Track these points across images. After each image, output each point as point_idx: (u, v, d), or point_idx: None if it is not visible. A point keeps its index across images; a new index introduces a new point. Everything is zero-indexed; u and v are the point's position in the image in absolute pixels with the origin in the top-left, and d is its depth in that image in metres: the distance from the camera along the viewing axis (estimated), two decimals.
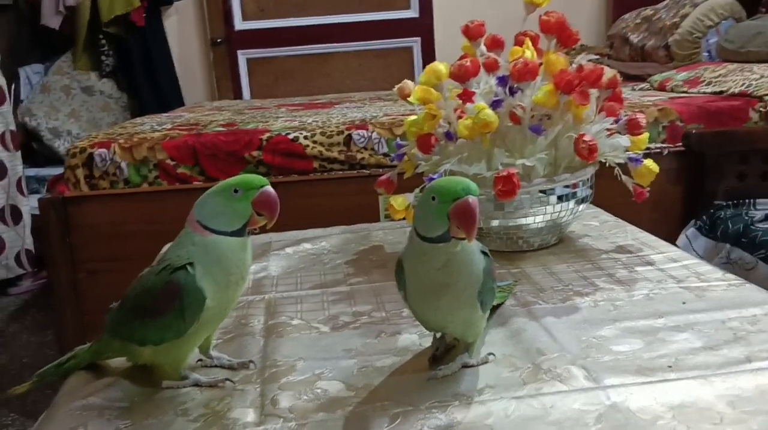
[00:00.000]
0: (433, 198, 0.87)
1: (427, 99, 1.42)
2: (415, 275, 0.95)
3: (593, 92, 1.42)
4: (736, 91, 2.66)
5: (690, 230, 2.37)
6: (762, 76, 2.65)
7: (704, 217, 2.34)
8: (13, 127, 3.52)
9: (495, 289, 1.00)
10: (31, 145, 4.44)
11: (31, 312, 3.46)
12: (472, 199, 0.85)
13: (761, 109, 2.51)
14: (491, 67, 1.46)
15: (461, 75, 1.41)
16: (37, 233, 3.48)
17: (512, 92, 1.39)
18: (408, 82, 1.51)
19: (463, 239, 0.87)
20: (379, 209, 2.28)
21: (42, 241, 2.52)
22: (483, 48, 1.53)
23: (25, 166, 3.74)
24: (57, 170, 2.99)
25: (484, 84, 1.48)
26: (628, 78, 3.77)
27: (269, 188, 0.93)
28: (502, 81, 1.41)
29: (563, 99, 1.36)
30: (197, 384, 0.97)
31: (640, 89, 3.34)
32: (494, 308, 1.15)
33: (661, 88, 3.19)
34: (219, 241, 0.93)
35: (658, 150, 2.42)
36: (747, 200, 2.35)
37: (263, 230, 0.96)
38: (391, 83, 1.57)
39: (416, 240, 0.92)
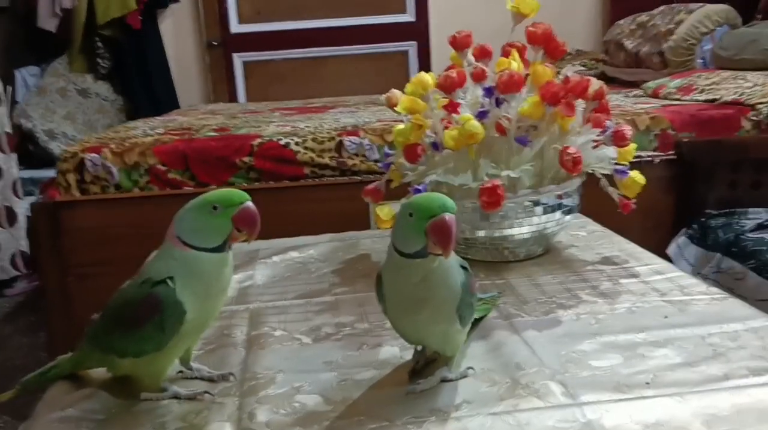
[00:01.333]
0: (411, 214, 0.88)
1: (414, 109, 1.42)
2: (394, 289, 0.95)
3: (579, 103, 1.42)
4: (729, 99, 2.66)
5: (681, 239, 2.37)
6: (755, 85, 2.65)
7: (695, 226, 2.34)
8: (8, 128, 3.53)
9: (474, 303, 1.00)
10: (27, 147, 4.44)
11: (25, 314, 3.45)
12: (448, 216, 0.86)
13: (753, 117, 2.51)
14: (478, 77, 1.46)
15: (447, 86, 1.41)
16: (31, 235, 3.48)
17: (498, 103, 1.39)
18: (395, 92, 1.51)
19: (440, 255, 0.88)
20: (369, 216, 2.29)
21: (33, 245, 2.53)
22: (470, 58, 1.53)
23: (21, 168, 3.74)
24: (52, 172, 2.98)
25: (471, 94, 1.48)
26: (623, 84, 3.77)
27: (249, 205, 0.93)
28: (489, 92, 1.41)
29: (549, 110, 1.36)
30: (176, 397, 0.97)
31: (634, 96, 3.33)
32: (477, 321, 1.15)
33: (655, 95, 3.18)
34: (199, 256, 0.93)
35: (650, 158, 2.42)
36: (738, 210, 2.34)
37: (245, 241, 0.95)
38: (386, 87, 1.57)
39: (395, 255, 0.92)
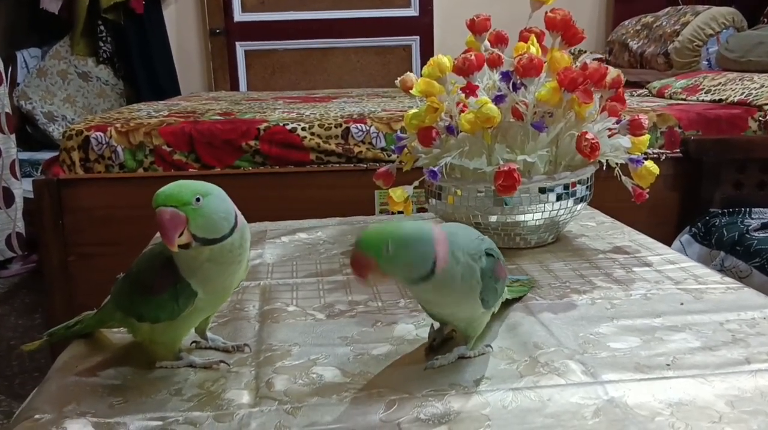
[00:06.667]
0: None
1: (430, 92, 1.41)
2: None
3: (596, 92, 1.41)
4: (736, 99, 2.66)
5: (684, 237, 2.37)
6: (762, 86, 2.65)
7: (699, 224, 2.34)
8: (8, 109, 3.51)
9: (501, 287, 0.98)
10: (26, 129, 4.42)
11: (20, 295, 3.45)
12: (161, 210, 0.84)
13: (760, 118, 2.51)
14: (495, 62, 1.46)
15: (465, 68, 1.40)
16: (28, 217, 3.47)
17: (515, 88, 1.38)
18: (410, 75, 1.51)
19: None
20: (375, 204, 2.28)
21: (35, 223, 2.51)
22: (487, 43, 1.52)
23: (19, 149, 3.72)
24: (51, 155, 2.97)
25: (487, 79, 1.48)
26: (627, 84, 3.75)
27: (159, 211, 0.85)
28: (506, 76, 1.40)
29: (566, 97, 1.36)
30: (191, 365, 0.96)
31: (639, 95, 3.34)
32: (511, 301, 1.15)
33: (660, 94, 3.19)
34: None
35: (656, 155, 2.42)
36: (743, 209, 2.34)
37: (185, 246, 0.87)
38: (388, 81, 1.57)
39: None
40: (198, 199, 0.86)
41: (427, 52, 4.93)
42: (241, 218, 0.93)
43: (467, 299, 0.93)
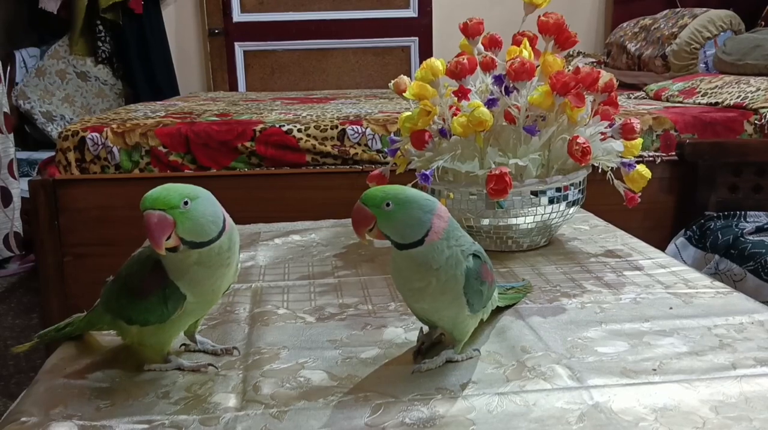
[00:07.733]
0: None
1: (423, 95, 1.41)
2: (396, 277, 0.97)
3: (588, 95, 1.42)
4: (732, 103, 2.66)
5: (679, 240, 2.37)
6: (758, 89, 2.65)
7: (694, 227, 2.34)
8: (6, 109, 3.51)
9: (487, 291, 0.98)
10: (24, 129, 4.42)
11: (18, 295, 3.44)
12: (148, 214, 0.85)
13: (756, 121, 2.52)
14: (488, 66, 1.46)
15: (458, 72, 1.41)
16: (26, 217, 3.47)
17: (508, 92, 1.39)
18: (404, 78, 1.51)
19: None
20: None
21: (30, 223, 2.51)
22: (480, 47, 1.52)
23: (17, 149, 3.72)
24: (49, 154, 2.97)
25: (480, 83, 1.48)
26: (624, 86, 3.77)
27: (146, 214, 0.85)
28: (499, 80, 1.40)
29: (558, 101, 1.36)
30: (179, 368, 0.96)
31: (636, 98, 3.34)
32: (503, 308, 1.15)
33: (657, 97, 3.19)
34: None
35: (651, 158, 2.42)
36: (738, 212, 2.35)
37: (173, 250, 0.88)
38: (387, 82, 1.57)
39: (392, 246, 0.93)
40: (186, 203, 0.87)
41: (425, 53, 4.94)
42: (229, 221, 0.94)
43: (449, 291, 0.93)
